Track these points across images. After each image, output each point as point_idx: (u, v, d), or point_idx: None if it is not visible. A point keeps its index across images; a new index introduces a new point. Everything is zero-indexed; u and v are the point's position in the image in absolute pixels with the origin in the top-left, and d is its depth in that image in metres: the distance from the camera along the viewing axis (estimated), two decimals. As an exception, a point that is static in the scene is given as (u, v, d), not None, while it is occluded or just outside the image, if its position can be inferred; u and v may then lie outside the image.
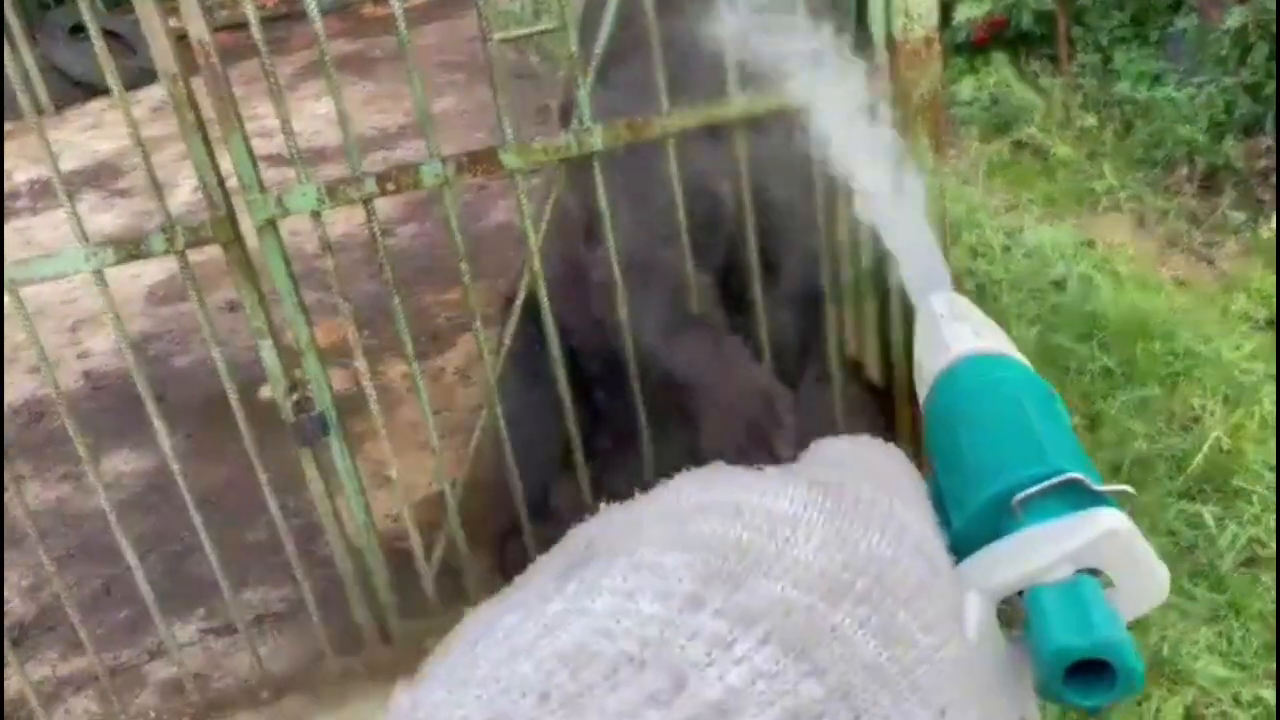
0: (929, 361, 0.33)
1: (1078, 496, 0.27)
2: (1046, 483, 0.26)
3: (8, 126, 4.77)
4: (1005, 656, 0.26)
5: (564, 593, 0.25)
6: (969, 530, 0.27)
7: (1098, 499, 0.26)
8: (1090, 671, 0.24)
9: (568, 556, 0.28)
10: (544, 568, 0.28)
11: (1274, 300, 2.71)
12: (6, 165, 4.77)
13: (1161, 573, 0.25)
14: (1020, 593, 0.26)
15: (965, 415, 0.31)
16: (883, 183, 0.34)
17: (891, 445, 0.29)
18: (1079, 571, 0.25)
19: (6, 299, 1.50)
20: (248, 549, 2.16)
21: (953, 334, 0.32)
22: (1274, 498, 2.10)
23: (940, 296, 0.35)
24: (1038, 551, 0.25)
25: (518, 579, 0.27)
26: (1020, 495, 0.26)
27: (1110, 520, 0.24)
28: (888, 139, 0.35)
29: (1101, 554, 0.25)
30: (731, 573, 0.23)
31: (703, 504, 0.26)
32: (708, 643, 0.22)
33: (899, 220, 0.35)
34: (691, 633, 0.22)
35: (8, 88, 1.54)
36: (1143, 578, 0.24)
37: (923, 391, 0.32)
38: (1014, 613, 0.26)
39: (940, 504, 0.28)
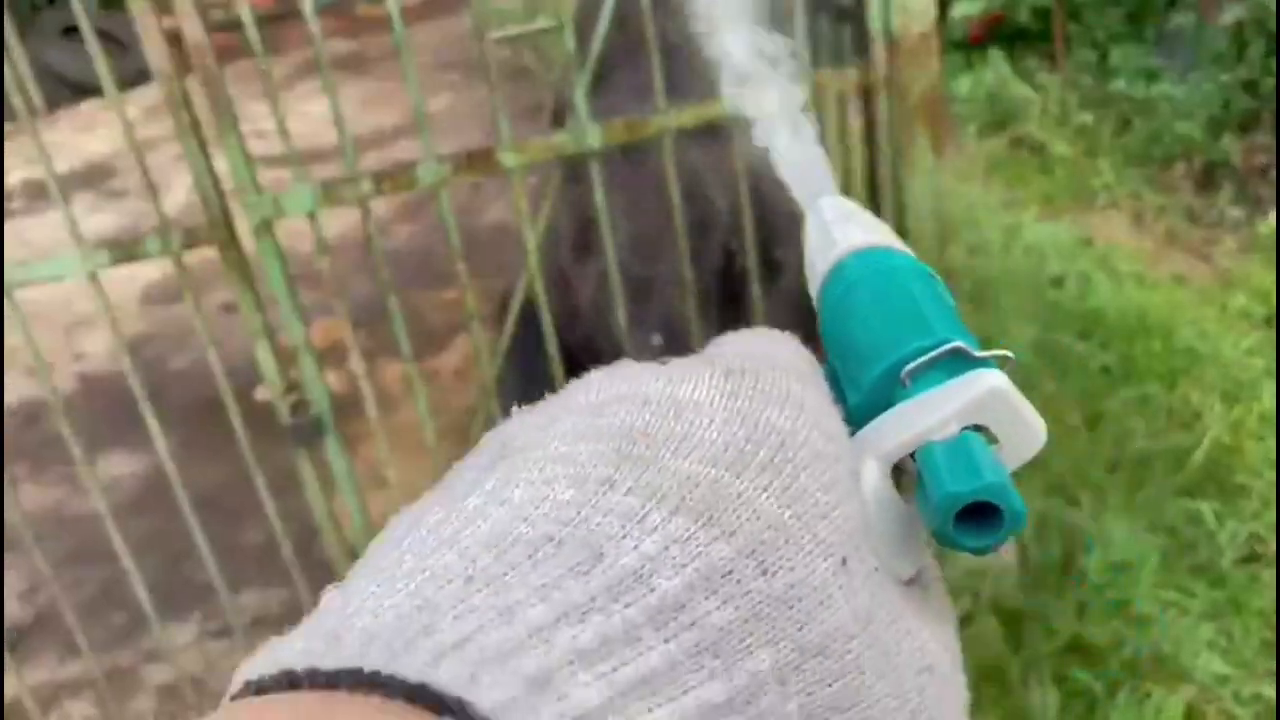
0: (819, 261, 0.35)
1: (961, 364, 0.28)
2: (932, 353, 0.27)
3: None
4: (902, 515, 0.28)
5: (483, 488, 0.27)
6: (864, 405, 0.29)
7: (980, 365, 0.28)
8: (978, 516, 0.26)
9: (484, 457, 0.29)
10: (462, 470, 0.29)
11: (1272, 297, 2.71)
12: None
13: (1038, 424, 0.27)
14: (913, 455, 0.28)
15: (854, 303, 0.32)
16: (768, 103, 0.37)
17: (787, 334, 0.31)
18: (964, 429, 0.27)
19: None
20: (245, 551, 2.15)
21: (841, 232, 0.35)
22: (1273, 494, 2.09)
23: (827, 200, 0.37)
24: (926, 414, 0.27)
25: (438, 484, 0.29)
26: (909, 367, 0.28)
27: (991, 380, 0.27)
28: (777, 65, 0.37)
29: (984, 411, 0.27)
30: (641, 456, 0.26)
31: (612, 396, 0.28)
32: (621, 518, 0.25)
33: (784, 134, 0.37)
34: (606, 511, 0.25)
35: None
36: (1022, 431, 0.27)
37: (814, 291, 0.34)
38: (909, 480, 0.28)
39: (837, 387, 0.30)
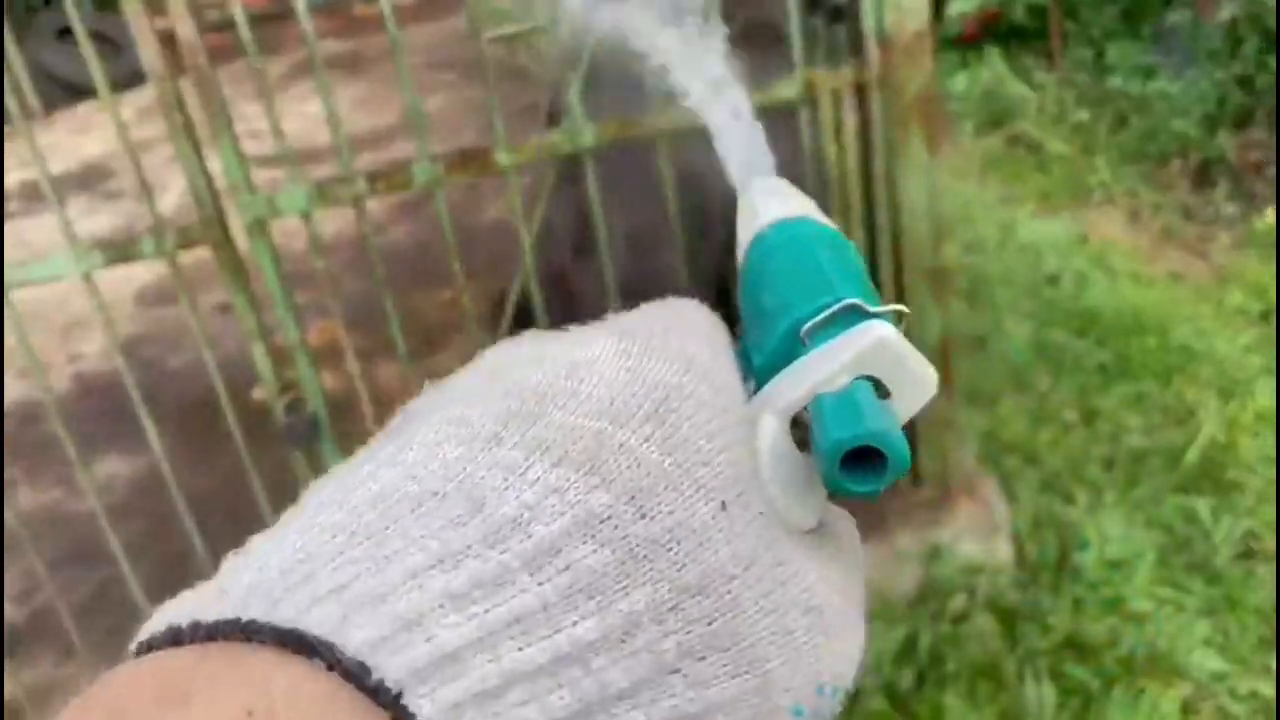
0: (743, 235, 0.36)
1: (857, 320, 0.29)
2: (828, 311, 0.28)
3: (-4, 129, 4.74)
4: (800, 467, 0.29)
5: (378, 455, 0.28)
6: (768, 365, 0.30)
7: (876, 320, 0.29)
8: (866, 462, 0.27)
9: (392, 427, 0.30)
10: (372, 442, 0.30)
11: (1268, 293, 2.72)
12: (-4, 168, 4.75)
13: (928, 373, 0.28)
14: (808, 408, 0.29)
15: (764, 270, 0.33)
16: (711, 87, 0.38)
17: (695, 302, 0.32)
18: (856, 380, 0.28)
19: (-5, 303, 1.49)
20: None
21: (764, 206, 0.36)
22: (1269, 491, 2.10)
23: (759, 180, 0.38)
24: (819, 368, 0.29)
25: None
26: (807, 325, 0.30)
27: (878, 331, 0.28)
28: (718, 48, 0.38)
29: (872, 362, 0.28)
30: (530, 413, 0.27)
31: (509, 360, 0.30)
32: (505, 471, 0.26)
33: (723, 116, 0.38)
34: (490, 465, 0.26)
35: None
36: (912, 379, 0.28)
37: (739, 265, 0.36)
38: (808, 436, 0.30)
39: (748, 357, 0.32)
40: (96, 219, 4.30)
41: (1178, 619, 1.85)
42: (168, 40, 1.41)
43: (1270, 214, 2.98)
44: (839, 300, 0.30)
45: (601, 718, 0.25)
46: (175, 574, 2.17)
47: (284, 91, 5.29)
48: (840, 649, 0.30)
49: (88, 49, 1.38)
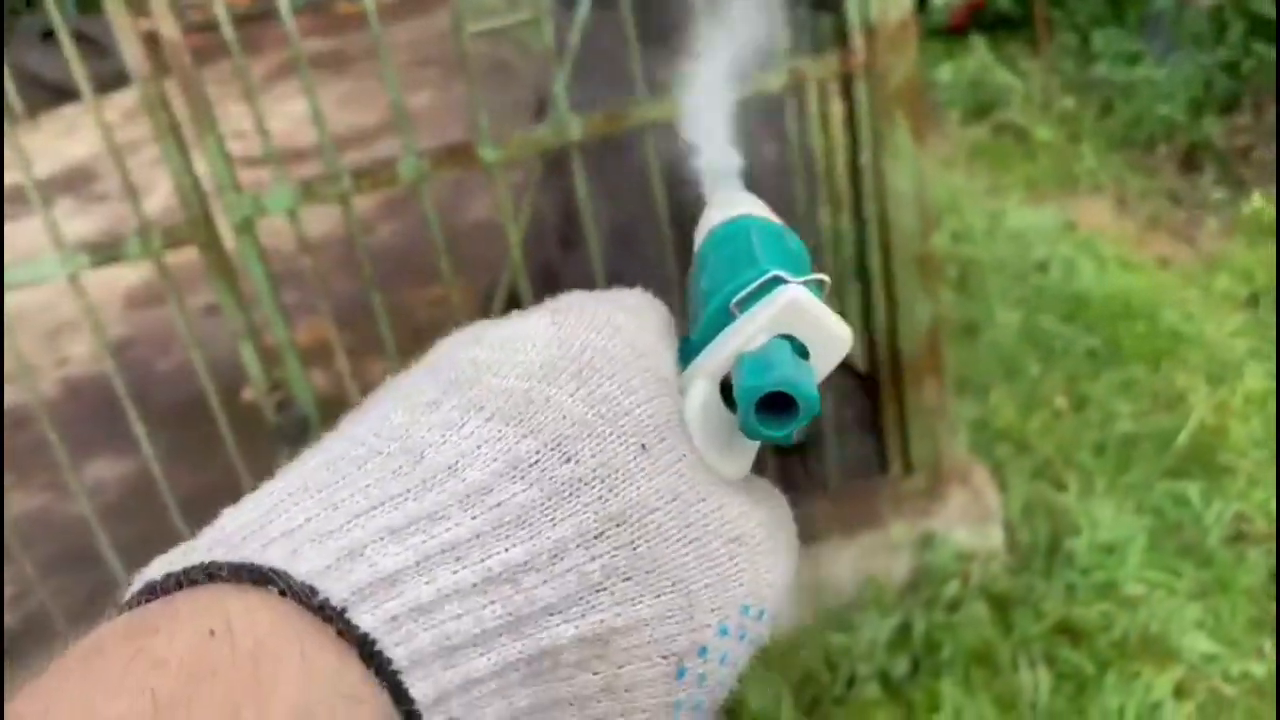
0: (698, 240, 0.40)
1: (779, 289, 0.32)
2: (754, 285, 0.32)
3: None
4: (728, 424, 0.32)
5: (334, 431, 0.32)
6: (701, 340, 0.34)
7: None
8: (781, 410, 0.30)
9: (349, 414, 0.34)
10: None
11: (1256, 277, 2.72)
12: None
13: (841, 329, 0.32)
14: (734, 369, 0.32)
15: (704, 262, 0.37)
16: (697, 102, 0.41)
17: (638, 289, 0.37)
18: (773, 338, 0.32)
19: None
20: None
21: (716, 213, 0.38)
22: (1259, 474, 2.11)
23: (721, 194, 0.40)
24: (742, 332, 0.32)
25: None
26: (735, 298, 0.33)
27: (791, 293, 0.32)
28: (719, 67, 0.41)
29: (787, 322, 0.32)
30: (466, 379, 0.31)
31: (456, 342, 0.34)
32: (442, 428, 0.29)
33: (706, 139, 0.41)
34: (429, 426, 0.30)
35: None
36: (826, 337, 0.32)
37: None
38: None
39: (689, 342, 0.35)
40: (83, 221, 4.28)
41: (1169, 602, 1.86)
42: (151, 41, 1.40)
43: (1257, 198, 2.99)
44: (763, 273, 0.33)
45: (531, 628, 0.28)
46: (168, 576, 2.17)
47: (268, 91, 5.27)
48: (765, 576, 0.32)
49: (70, 51, 1.38)
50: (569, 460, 0.29)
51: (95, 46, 5.28)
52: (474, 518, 0.28)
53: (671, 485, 0.31)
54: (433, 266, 1.63)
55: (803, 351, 0.33)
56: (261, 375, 1.60)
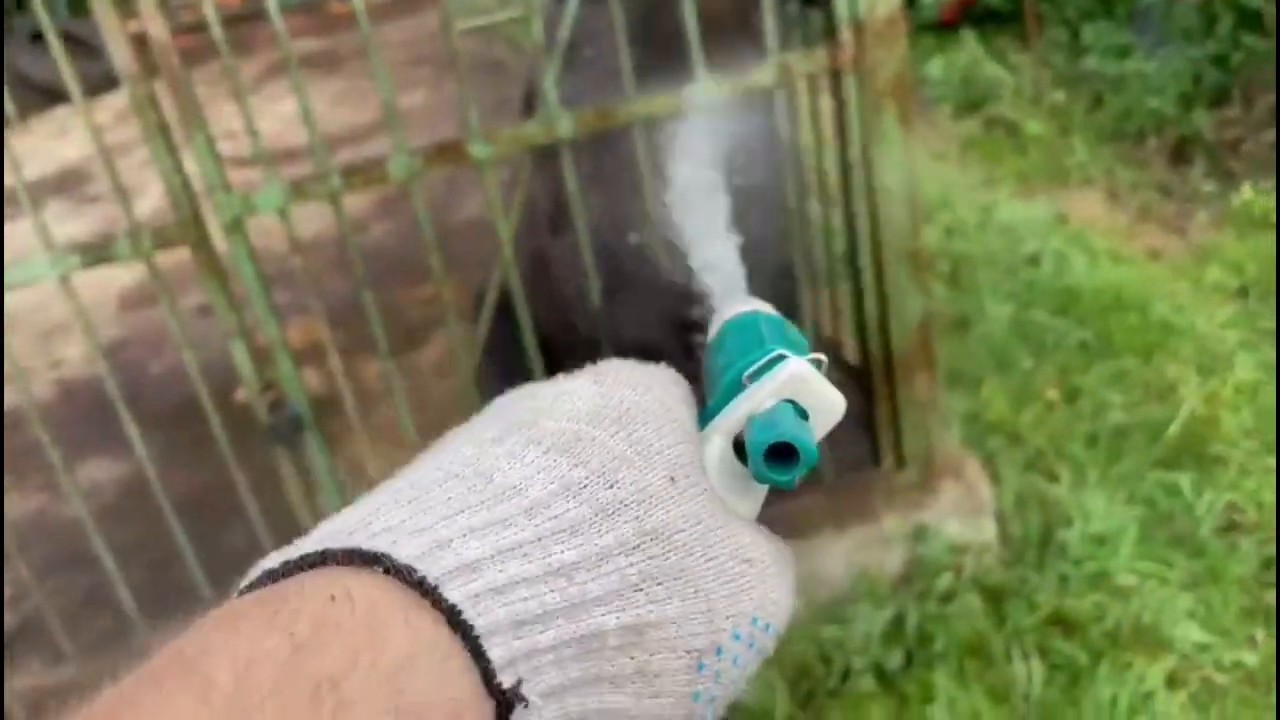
0: (712, 331, 0.49)
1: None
2: (762, 360, 0.40)
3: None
4: (740, 473, 0.40)
5: (411, 465, 0.40)
6: (717, 406, 0.41)
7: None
8: (785, 459, 0.38)
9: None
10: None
11: (1246, 269, 2.74)
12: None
13: (837, 398, 0.41)
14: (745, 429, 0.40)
15: (719, 347, 0.45)
16: (700, 234, 0.49)
17: (667, 365, 0.44)
18: (779, 403, 0.40)
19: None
20: (227, 552, 2.14)
21: (730, 307, 0.48)
22: (1250, 464, 2.11)
23: (730, 303, 0.49)
24: (753, 398, 0.40)
25: None
26: (747, 372, 0.40)
27: (795, 366, 0.40)
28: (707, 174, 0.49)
29: (791, 390, 0.40)
30: (526, 422, 0.38)
31: (510, 399, 0.42)
32: (507, 457, 0.36)
33: (708, 241, 0.49)
34: (496, 456, 0.37)
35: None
36: (824, 404, 0.40)
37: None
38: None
39: (707, 409, 0.43)
40: (76, 223, 4.27)
41: (1161, 592, 1.87)
42: (140, 42, 1.40)
43: (1247, 190, 3.00)
44: (770, 351, 0.40)
45: (583, 615, 0.35)
46: (164, 576, 2.18)
47: (260, 91, 5.27)
48: (771, 595, 0.39)
49: (58, 52, 1.38)
50: (612, 486, 0.36)
51: (86, 48, 5.27)
52: (536, 525, 0.35)
53: (695, 511, 0.37)
54: (425, 265, 1.63)
55: (803, 414, 0.40)
56: (253, 375, 1.60)
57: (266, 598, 0.32)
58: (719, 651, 0.37)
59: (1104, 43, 3.73)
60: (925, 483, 1.91)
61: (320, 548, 0.34)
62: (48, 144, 5.32)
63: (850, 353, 2.06)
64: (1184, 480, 2.08)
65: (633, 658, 0.36)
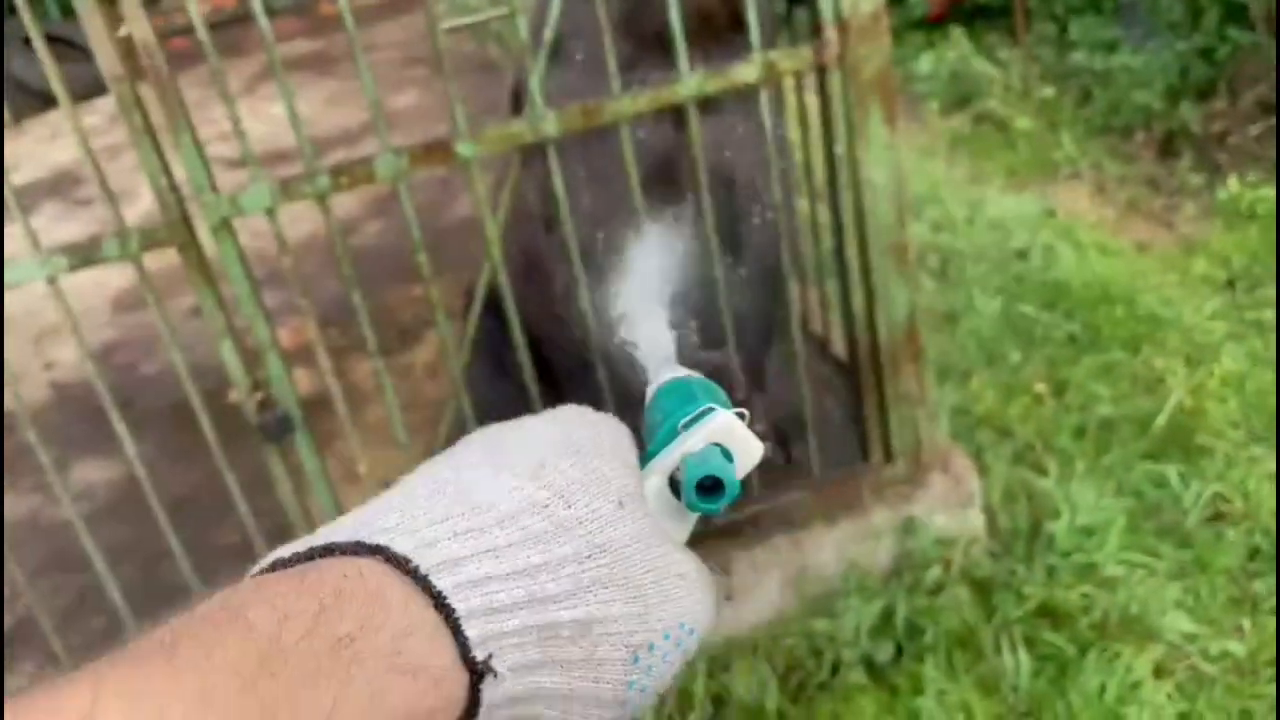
0: (649, 394, 0.59)
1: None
2: (695, 412, 0.49)
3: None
4: (675, 506, 0.48)
5: (396, 484, 0.48)
6: (654, 450, 0.50)
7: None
8: (713, 492, 0.46)
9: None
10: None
11: (1232, 261, 2.75)
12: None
13: (756, 445, 0.49)
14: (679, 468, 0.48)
15: (656, 405, 0.55)
16: (635, 315, 0.61)
17: (609, 415, 0.54)
18: (708, 445, 0.49)
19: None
20: (220, 552, 2.15)
21: (664, 375, 0.58)
22: (1237, 454, 2.13)
23: (668, 367, 0.59)
24: (686, 443, 0.48)
25: None
26: (682, 422, 0.49)
27: (722, 417, 0.48)
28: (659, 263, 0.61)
29: (719, 435, 0.48)
30: (497, 449, 0.48)
31: (482, 433, 0.51)
32: (483, 479, 0.45)
33: (643, 335, 0.61)
34: (472, 476, 0.45)
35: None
36: (746, 449, 0.49)
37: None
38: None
39: (645, 453, 0.52)
40: (69, 226, 4.27)
41: (1149, 583, 1.88)
42: (129, 44, 1.41)
43: (1233, 183, 3.02)
44: (702, 405, 0.49)
45: (541, 609, 0.42)
46: (156, 578, 2.19)
47: (255, 92, 5.27)
48: (697, 606, 0.47)
49: (45, 55, 1.38)
50: (569, 506, 0.44)
51: (80, 51, 5.27)
52: (507, 534, 0.42)
53: (637, 531, 0.45)
54: (417, 264, 1.64)
55: (729, 457, 0.48)
56: (243, 375, 1.61)
57: (293, 573, 0.39)
58: (652, 648, 0.44)
59: (1091, 38, 3.75)
60: (914, 476, 1.92)
61: (327, 541, 0.41)
62: (41, 147, 5.32)
63: (839, 348, 2.07)
64: (1171, 471, 2.09)
65: (581, 647, 0.43)
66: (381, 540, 0.41)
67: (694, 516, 0.49)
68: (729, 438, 0.48)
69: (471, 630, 0.40)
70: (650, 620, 0.44)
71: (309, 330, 1.62)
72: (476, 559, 0.41)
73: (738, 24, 1.58)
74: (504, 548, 0.42)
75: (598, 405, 0.51)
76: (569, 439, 0.47)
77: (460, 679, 0.40)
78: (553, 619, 0.42)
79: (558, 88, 1.63)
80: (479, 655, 0.40)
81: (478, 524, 0.42)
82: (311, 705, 0.35)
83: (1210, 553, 1.94)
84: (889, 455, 1.92)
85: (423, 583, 0.40)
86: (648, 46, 1.65)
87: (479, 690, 0.40)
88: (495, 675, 0.41)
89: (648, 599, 0.44)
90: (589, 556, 0.43)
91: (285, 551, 0.42)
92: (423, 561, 0.40)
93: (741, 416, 0.49)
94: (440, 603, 0.40)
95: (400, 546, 0.40)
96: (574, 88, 1.59)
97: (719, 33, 1.64)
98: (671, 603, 0.45)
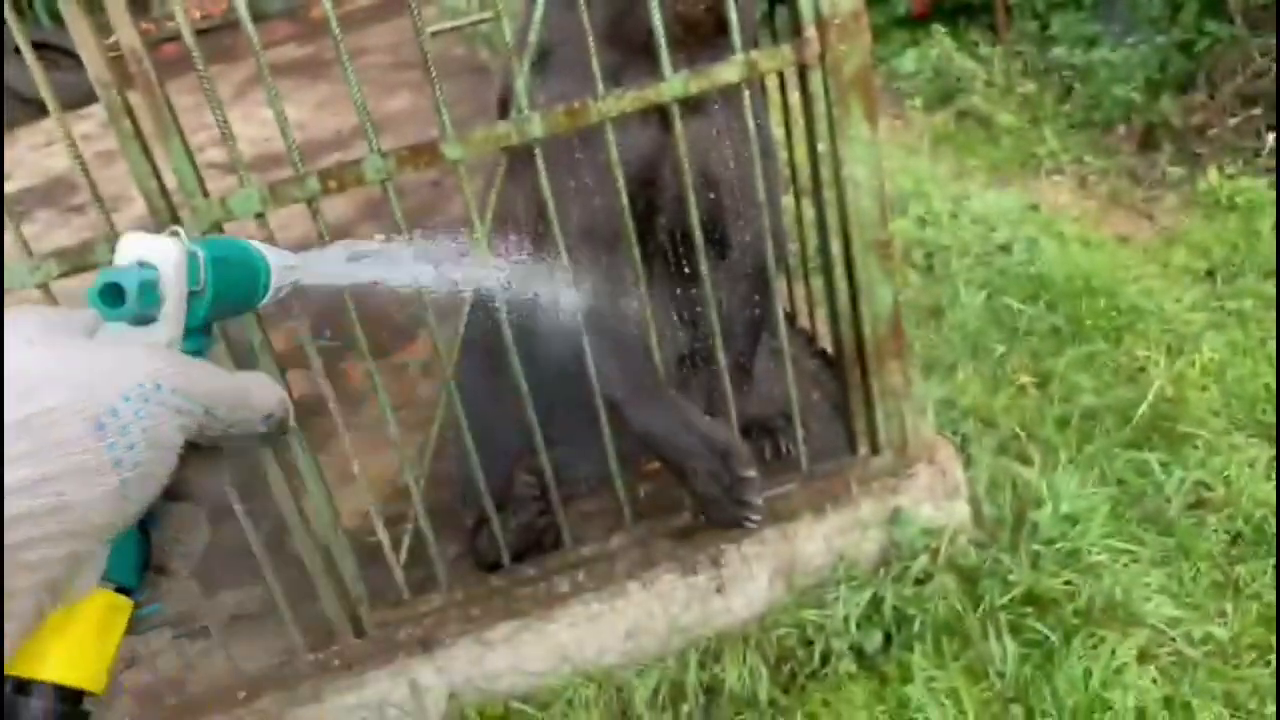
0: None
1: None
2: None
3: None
4: (121, 326, 0.54)
5: None
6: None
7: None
8: (118, 299, 0.51)
9: None
10: None
11: (1212, 252, 2.78)
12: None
13: (168, 243, 0.55)
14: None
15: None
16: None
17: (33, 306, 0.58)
18: (132, 261, 0.54)
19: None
20: (213, 551, 2.17)
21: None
22: (1218, 442, 2.16)
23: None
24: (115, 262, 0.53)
25: None
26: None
27: (134, 235, 0.55)
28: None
29: (130, 253, 0.55)
30: None
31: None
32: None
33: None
34: None
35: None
36: (160, 250, 0.55)
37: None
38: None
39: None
40: (62, 233, 4.29)
41: (1132, 569, 1.90)
42: (117, 51, 1.43)
43: (1213, 174, 3.05)
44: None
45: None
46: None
47: (248, 96, 5.28)
48: (158, 368, 0.50)
49: (33, 62, 1.40)
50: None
51: (74, 59, 5.26)
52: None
53: (61, 352, 0.49)
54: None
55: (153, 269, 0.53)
56: (237, 376, 1.62)
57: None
58: (115, 412, 0.47)
59: (1072, 33, 3.78)
60: (900, 468, 1.94)
61: None
62: (35, 155, 5.33)
63: (825, 342, 2.09)
64: (1153, 460, 2.11)
65: (25, 449, 0.44)
66: None
67: (160, 325, 0.53)
68: (139, 250, 0.53)
69: None
70: (98, 391, 0.47)
71: (302, 331, 1.64)
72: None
73: (722, 29, 1.60)
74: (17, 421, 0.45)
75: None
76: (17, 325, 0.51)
77: None
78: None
79: (545, 97, 1.65)
80: None
81: None
82: None
83: (1192, 539, 1.96)
84: (875, 448, 1.94)
85: None
86: (634, 54, 1.67)
87: None
88: None
89: (91, 384, 0.47)
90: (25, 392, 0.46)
91: None
92: None
93: (174, 234, 0.54)
94: None
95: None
96: (562, 97, 1.61)
97: (705, 38, 1.66)
98: (120, 374, 0.48)
